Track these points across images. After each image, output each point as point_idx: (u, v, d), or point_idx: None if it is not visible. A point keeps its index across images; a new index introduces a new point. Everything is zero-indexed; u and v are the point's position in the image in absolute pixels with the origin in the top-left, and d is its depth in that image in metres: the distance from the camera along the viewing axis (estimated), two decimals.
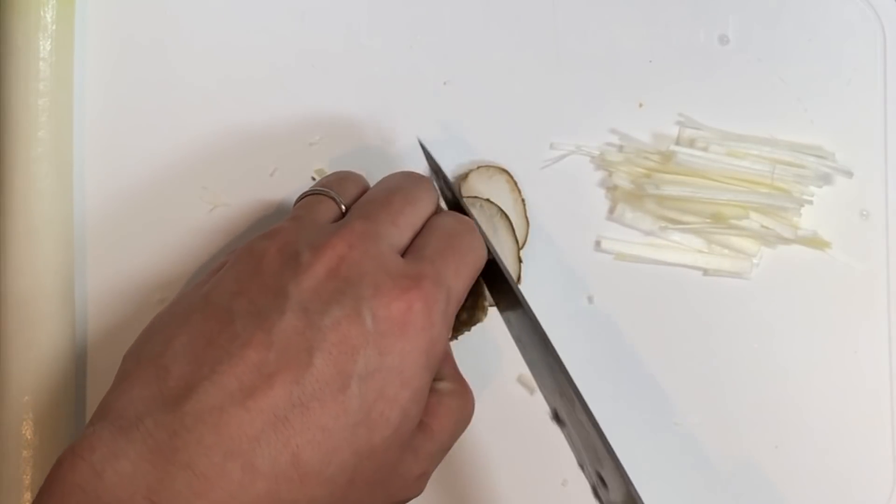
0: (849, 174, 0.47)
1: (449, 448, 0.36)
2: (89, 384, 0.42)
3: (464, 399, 0.37)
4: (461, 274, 0.34)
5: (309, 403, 0.29)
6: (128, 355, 0.33)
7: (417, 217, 0.35)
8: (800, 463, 0.46)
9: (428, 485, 0.36)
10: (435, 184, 0.40)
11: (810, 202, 0.46)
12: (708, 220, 0.45)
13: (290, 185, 0.44)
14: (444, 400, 0.36)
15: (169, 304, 0.34)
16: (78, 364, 0.42)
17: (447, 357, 0.38)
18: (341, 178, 0.38)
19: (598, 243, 0.46)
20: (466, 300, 0.40)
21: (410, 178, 0.37)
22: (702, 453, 0.45)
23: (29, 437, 0.39)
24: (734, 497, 0.45)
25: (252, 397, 0.29)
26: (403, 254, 0.34)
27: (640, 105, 0.47)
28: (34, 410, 0.39)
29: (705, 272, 0.46)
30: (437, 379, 0.36)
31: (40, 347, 0.40)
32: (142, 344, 0.33)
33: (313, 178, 0.44)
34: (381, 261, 0.32)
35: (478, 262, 0.36)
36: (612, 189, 0.46)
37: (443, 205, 0.42)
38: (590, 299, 0.45)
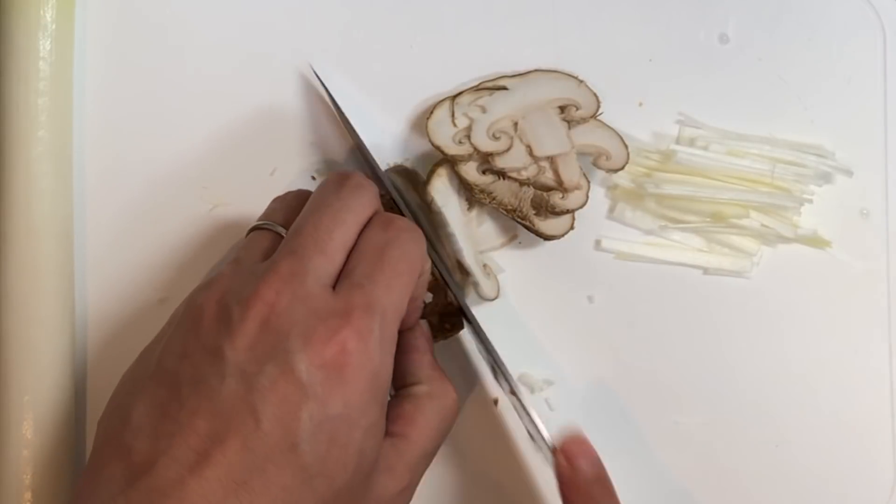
0: (849, 173, 0.47)
1: (434, 452, 0.36)
2: (89, 384, 0.42)
3: (443, 399, 0.37)
4: (394, 288, 0.34)
5: (264, 466, 0.30)
6: (99, 423, 0.34)
7: (349, 234, 0.35)
8: (800, 462, 0.46)
9: (426, 484, 0.36)
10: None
11: (810, 201, 0.46)
12: (708, 219, 0.45)
13: (290, 185, 0.44)
14: (422, 405, 0.36)
15: (133, 362, 0.35)
16: (78, 364, 0.42)
17: (423, 357, 0.38)
18: (285, 203, 0.38)
19: (598, 242, 0.46)
20: (449, 306, 0.40)
21: (341, 187, 0.36)
22: (702, 452, 0.45)
23: (29, 437, 0.39)
24: (734, 496, 0.45)
25: (209, 467, 0.30)
26: (337, 277, 0.34)
27: (640, 104, 0.47)
28: (34, 410, 0.39)
29: (705, 271, 0.46)
30: (413, 383, 0.37)
31: (41, 348, 0.40)
32: (109, 413, 0.34)
33: (313, 178, 0.44)
34: (310, 303, 0.32)
35: (412, 267, 0.35)
36: (612, 188, 0.46)
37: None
38: (590, 299, 0.45)
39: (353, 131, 0.42)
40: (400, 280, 0.34)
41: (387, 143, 0.45)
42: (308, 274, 0.33)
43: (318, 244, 0.34)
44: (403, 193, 0.43)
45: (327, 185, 0.36)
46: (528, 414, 0.39)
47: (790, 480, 0.45)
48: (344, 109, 0.43)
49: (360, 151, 0.42)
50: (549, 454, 0.38)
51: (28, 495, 0.38)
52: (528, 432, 0.40)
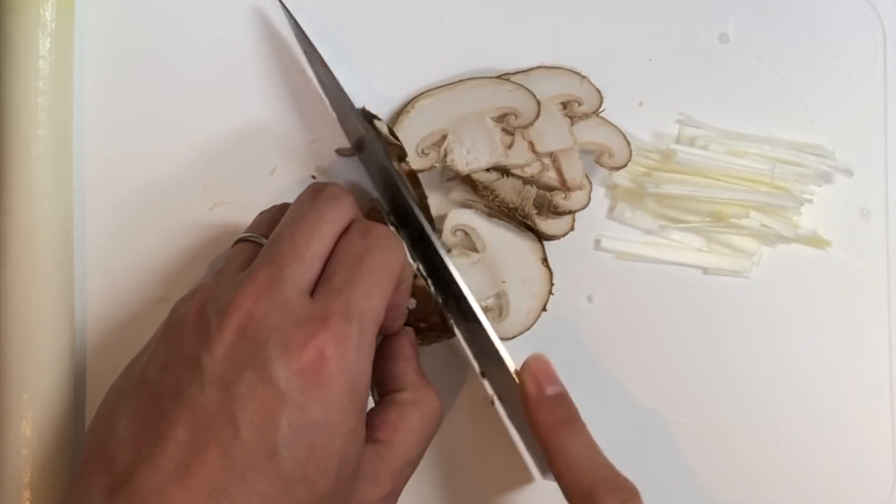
0: (849, 173, 0.47)
1: (418, 459, 0.36)
2: (89, 383, 0.42)
3: (427, 406, 0.37)
4: (373, 295, 0.34)
5: (244, 474, 0.30)
6: (86, 435, 0.34)
7: (325, 244, 0.35)
8: (800, 462, 0.46)
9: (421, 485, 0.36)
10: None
11: (810, 201, 0.46)
12: (708, 219, 0.45)
13: (290, 184, 0.44)
14: (405, 412, 0.36)
15: (119, 374, 0.35)
16: (78, 362, 0.42)
17: (408, 364, 0.38)
18: (269, 216, 0.39)
19: (598, 242, 0.46)
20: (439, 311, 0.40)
21: (316, 198, 0.36)
22: (702, 452, 0.45)
23: (29, 435, 0.39)
24: (734, 496, 0.45)
25: (189, 475, 0.30)
26: (316, 284, 0.34)
27: (640, 104, 0.47)
28: (34, 409, 0.39)
29: (705, 271, 0.46)
30: (397, 390, 0.37)
31: (40, 346, 0.40)
32: (95, 424, 0.34)
33: (313, 177, 0.44)
34: (287, 309, 0.32)
35: (391, 274, 0.35)
36: (612, 188, 0.46)
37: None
38: (590, 299, 0.45)
39: (322, 63, 0.40)
40: (379, 287, 0.34)
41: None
42: (286, 281, 0.33)
43: (295, 252, 0.34)
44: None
45: (303, 197, 0.37)
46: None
47: (790, 480, 0.45)
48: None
49: (330, 93, 0.40)
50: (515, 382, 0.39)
51: (27, 494, 0.38)
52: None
